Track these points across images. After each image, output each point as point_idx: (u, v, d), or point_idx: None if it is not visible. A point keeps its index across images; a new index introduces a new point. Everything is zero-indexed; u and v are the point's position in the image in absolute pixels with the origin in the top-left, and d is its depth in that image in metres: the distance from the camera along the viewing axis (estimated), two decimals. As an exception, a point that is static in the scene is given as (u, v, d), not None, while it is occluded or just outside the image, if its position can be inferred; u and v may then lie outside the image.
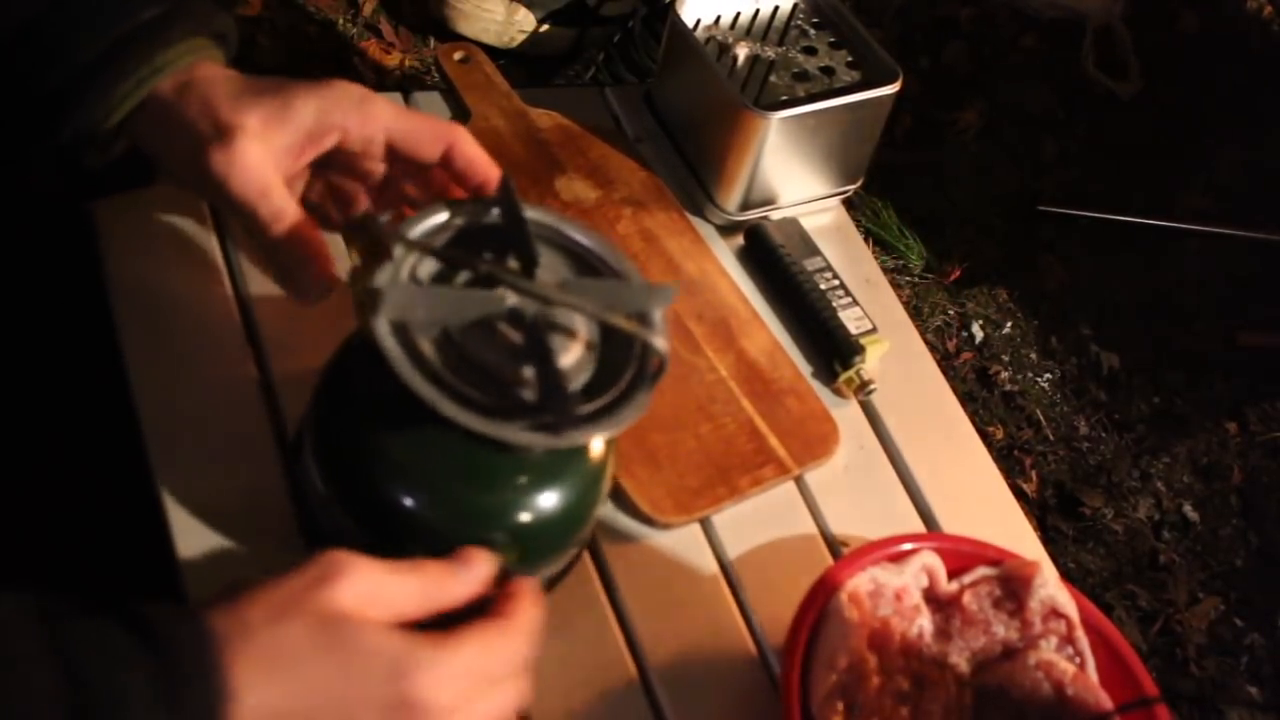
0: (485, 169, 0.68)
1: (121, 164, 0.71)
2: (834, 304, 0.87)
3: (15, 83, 0.66)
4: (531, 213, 0.65)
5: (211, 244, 0.79)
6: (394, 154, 0.69)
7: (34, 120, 0.67)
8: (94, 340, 0.75)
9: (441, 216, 0.64)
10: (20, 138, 0.67)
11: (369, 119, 0.67)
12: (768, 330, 0.86)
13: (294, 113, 0.66)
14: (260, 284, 0.78)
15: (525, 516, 0.63)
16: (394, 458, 0.61)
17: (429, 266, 0.62)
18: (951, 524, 0.82)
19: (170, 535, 0.66)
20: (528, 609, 0.59)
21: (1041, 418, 1.60)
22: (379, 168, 0.70)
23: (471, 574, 0.59)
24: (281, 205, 0.65)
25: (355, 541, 0.63)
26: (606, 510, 0.75)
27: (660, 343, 0.64)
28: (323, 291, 0.65)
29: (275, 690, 0.51)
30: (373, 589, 0.55)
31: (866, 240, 1.60)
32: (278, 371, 0.74)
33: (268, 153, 0.65)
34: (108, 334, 0.74)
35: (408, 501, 0.61)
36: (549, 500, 0.63)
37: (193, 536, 0.67)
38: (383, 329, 0.58)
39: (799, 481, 0.81)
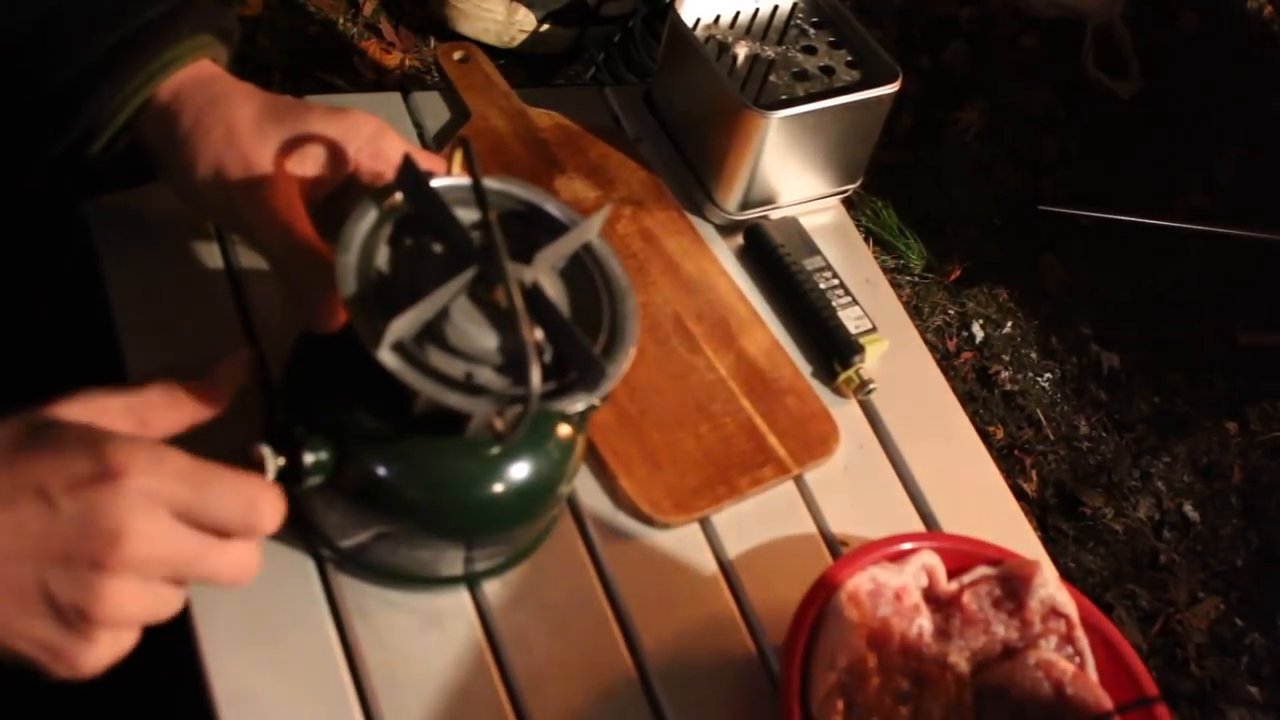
0: None
1: (122, 161, 0.71)
2: (834, 304, 0.87)
3: (26, 79, 0.66)
4: (446, 183, 0.65)
5: (210, 240, 0.79)
6: None
7: (45, 116, 0.67)
8: (94, 339, 0.75)
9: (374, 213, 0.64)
10: (31, 134, 0.68)
11: (379, 155, 0.69)
12: (767, 330, 0.86)
13: (311, 145, 0.67)
14: (259, 281, 0.78)
15: (498, 487, 0.64)
16: (367, 430, 0.62)
17: (386, 253, 0.63)
18: (951, 524, 0.81)
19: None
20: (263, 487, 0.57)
21: (1041, 417, 1.60)
22: None
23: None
24: (299, 241, 0.65)
25: (337, 513, 0.65)
26: (606, 510, 0.75)
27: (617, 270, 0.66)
28: (333, 319, 0.66)
29: None
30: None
31: (866, 240, 1.60)
32: (277, 369, 0.74)
33: (287, 186, 0.66)
34: (108, 332, 0.74)
35: (381, 472, 0.62)
36: (520, 471, 0.64)
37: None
38: (355, 308, 0.58)
39: (799, 481, 0.81)
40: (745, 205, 0.91)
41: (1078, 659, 0.71)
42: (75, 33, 0.66)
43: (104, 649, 0.53)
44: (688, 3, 0.92)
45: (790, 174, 0.91)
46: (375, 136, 0.68)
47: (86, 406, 0.56)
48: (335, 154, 0.68)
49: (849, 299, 0.88)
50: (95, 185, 0.77)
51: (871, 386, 0.85)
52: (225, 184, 0.66)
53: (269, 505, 0.56)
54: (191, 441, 0.70)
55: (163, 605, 0.55)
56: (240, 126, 0.66)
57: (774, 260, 0.89)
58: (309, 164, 0.68)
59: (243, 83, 0.69)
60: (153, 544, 0.52)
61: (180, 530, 0.53)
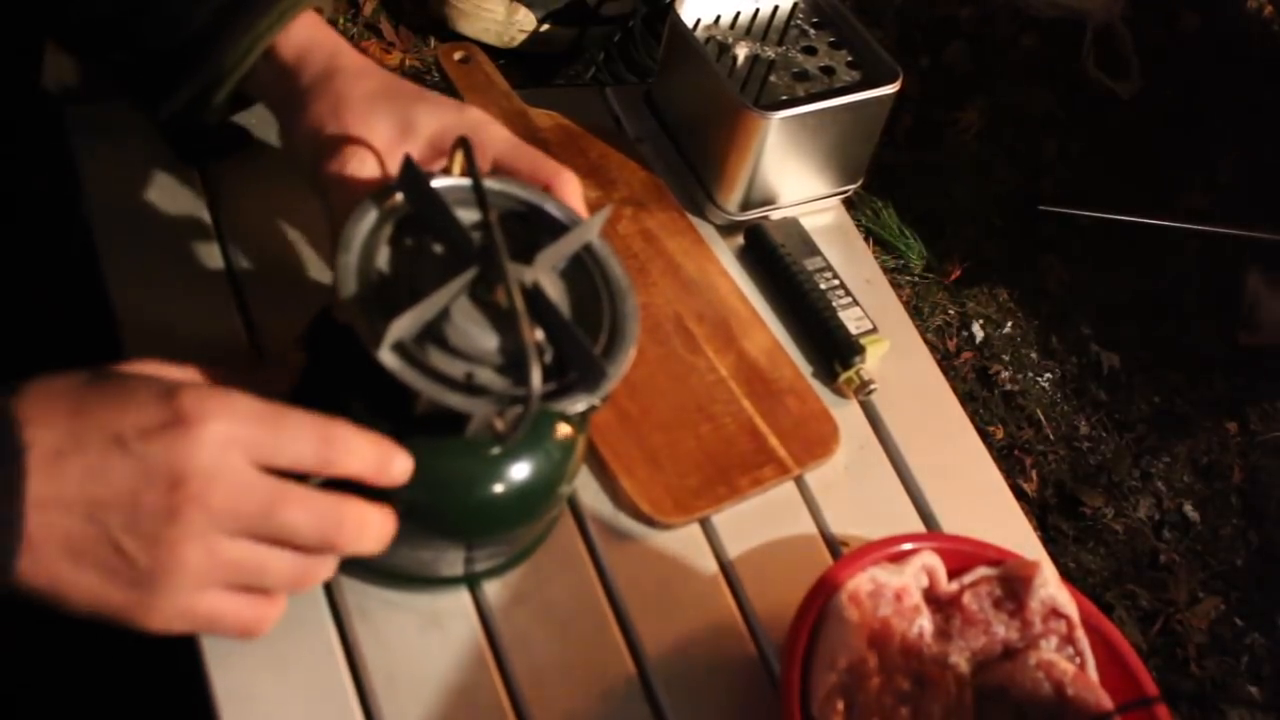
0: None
1: (221, 130, 0.73)
2: (834, 304, 0.87)
3: (152, 32, 0.67)
4: (446, 183, 0.65)
5: (210, 240, 0.79)
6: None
7: (170, 68, 0.68)
8: (94, 339, 0.75)
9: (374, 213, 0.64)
10: (156, 88, 0.69)
11: (479, 148, 0.69)
12: (768, 330, 0.86)
13: (415, 130, 0.68)
14: (259, 282, 0.78)
15: (498, 487, 0.64)
16: (368, 428, 0.61)
17: (386, 254, 0.63)
18: (951, 524, 0.81)
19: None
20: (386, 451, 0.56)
21: (1042, 417, 1.60)
22: None
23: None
24: None
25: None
26: (606, 510, 0.75)
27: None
28: None
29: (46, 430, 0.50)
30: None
31: (866, 240, 1.60)
32: (270, 350, 0.74)
33: (378, 168, 0.66)
34: (108, 332, 0.74)
35: None
36: (521, 472, 0.64)
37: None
38: (356, 308, 0.58)
39: (799, 481, 0.81)
40: (746, 206, 0.91)
41: (1078, 659, 0.71)
42: None
43: (175, 603, 0.51)
44: (688, 3, 0.92)
45: (790, 174, 0.91)
46: (477, 128, 0.69)
47: (144, 367, 0.55)
48: (435, 144, 0.68)
49: (849, 299, 0.88)
50: (198, 150, 0.77)
51: (872, 387, 0.85)
52: (318, 145, 0.66)
53: (351, 443, 0.55)
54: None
55: (255, 568, 0.53)
56: (352, 97, 0.67)
57: (775, 261, 0.89)
58: (411, 149, 0.68)
59: (366, 59, 0.70)
60: (230, 490, 0.51)
61: (258, 476, 0.52)
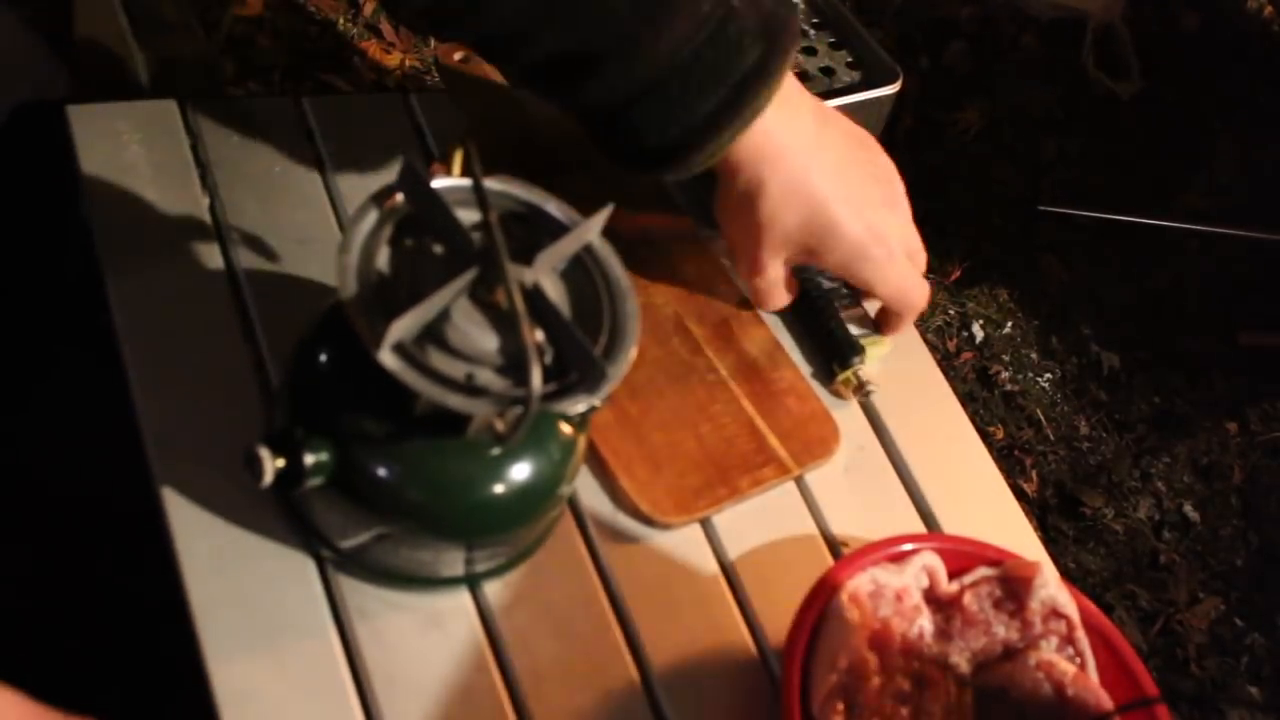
0: None
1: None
2: (834, 304, 0.87)
3: (631, 134, 0.72)
4: (447, 184, 0.65)
5: (210, 240, 0.79)
6: None
7: (645, 163, 0.73)
8: (94, 339, 0.75)
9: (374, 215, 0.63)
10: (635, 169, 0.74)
11: None
12: (768, 330, 0.86)
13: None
14: (259, 282, 0.78)
15: (498, 488, 0.64)
16: (368, 431, 0.62)
17: (386, 254, 0.63)
18: (951, 524, 0.82)
19: (171, 537, 0.67)
20: None
21: (1042, 418, 1.61)
22: None
23: None
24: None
25: (338, 514, 0.65)
26: (607, 510, 0.75)
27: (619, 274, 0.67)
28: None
29: None
30: None
31: (866, 240, 1.60)
32: (277, 370, 0.74)
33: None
34: (107, 332, 0.74)
35: (382, 473, 0.62)
36: (521, 472, 0.64)
37: (190, 524, 0.67)
38: (356, 309, 0.58)
39: (799, 482, 0.81)
40: (745, 206, 0.91)
41: (1078, 659, 0.71)
42: (684, 94, 0.70)
43: None
44: (688, 3, 0.91)
45: (790, 174, 0.91)
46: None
47: None
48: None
49: (849, 299, 0.88)
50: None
51: (871, 387, 0.85)
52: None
53: None
54: (193, 442, 0.70)
55: None
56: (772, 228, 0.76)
57: (774, 261, 0.89)
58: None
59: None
60: None
61: None
